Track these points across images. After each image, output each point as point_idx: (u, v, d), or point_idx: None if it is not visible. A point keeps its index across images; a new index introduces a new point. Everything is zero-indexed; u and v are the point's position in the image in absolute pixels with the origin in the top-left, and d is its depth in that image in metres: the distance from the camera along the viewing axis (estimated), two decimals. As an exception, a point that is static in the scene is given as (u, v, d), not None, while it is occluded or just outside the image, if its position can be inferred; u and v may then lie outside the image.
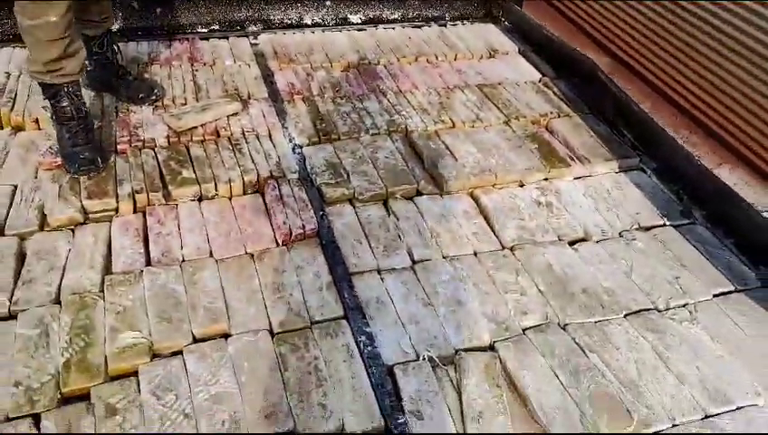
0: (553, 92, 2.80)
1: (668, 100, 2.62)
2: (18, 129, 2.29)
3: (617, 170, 2.41)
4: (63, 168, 2.09)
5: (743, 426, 1.55)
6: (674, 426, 1.54)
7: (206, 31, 2.94)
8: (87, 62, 2.23)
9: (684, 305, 1.87)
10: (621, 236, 2.11)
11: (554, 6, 3.58)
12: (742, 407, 1.60)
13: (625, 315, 1.83)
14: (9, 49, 2.66)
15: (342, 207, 2.10)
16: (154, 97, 2.40)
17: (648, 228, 2.15)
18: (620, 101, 2.60)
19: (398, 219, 2.07)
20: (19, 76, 2.48)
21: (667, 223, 2.18)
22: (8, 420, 1.44)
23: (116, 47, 2.40)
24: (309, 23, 3.10)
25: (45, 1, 1.84)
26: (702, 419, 1.57)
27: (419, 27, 3.20)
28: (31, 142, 2.22)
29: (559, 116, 2.64)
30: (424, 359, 1.64)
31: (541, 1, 3.30)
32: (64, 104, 2.08)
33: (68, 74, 2.03)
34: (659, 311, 1.85)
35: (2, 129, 2.29)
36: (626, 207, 2.23)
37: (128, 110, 2.38)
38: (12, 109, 2.32)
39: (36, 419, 1.45)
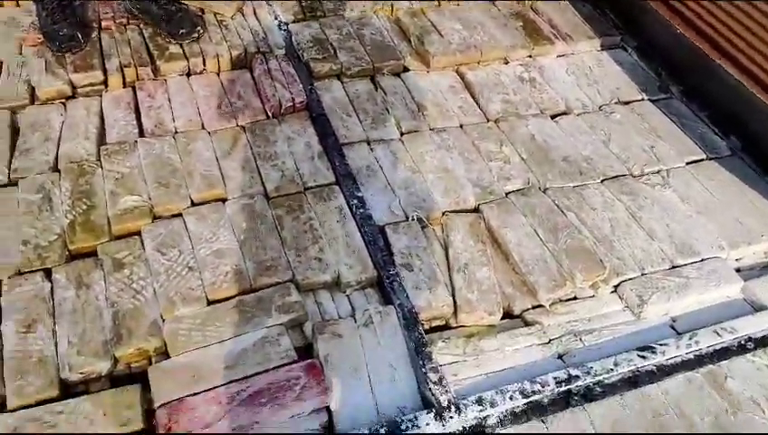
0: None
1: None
2: (-5, 6, 2.25)
3: (599, 48, 2.45)
4: (46, 45, 2.07)
5: (706, 275, 1.68)
6: (643, 275, 1.67)
7: None
8: None
9: (657, 172, 1.98)
10: (601, 110, 2.18)
11: None
12: (706, 259, 1.73)
13: (602, 181, 1.93)
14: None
15: (330, 81, 2.13)
16: (195, 34, 2.15)
17: (626, 102, 2.22)
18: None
19: (385, 94, 2.11)
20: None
21: (645, 97, 2.25)
22: (20, 274, 1.53)
23: None
24: None
25: None
26: (669, 268, 1.70)
27: None
28: (11, 19, 2.18)
29: (545, -5, 2.64)
30: (413, 219, 1.74)
31: None
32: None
33: None
34: (634, 176, 1.95)
35: (-20, 6, 2.24)
36: (606, 83, 2.29)
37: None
38: (-12, -15, 2.26)
39: (47, 272, 1.53)
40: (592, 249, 1.71)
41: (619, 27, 2.53)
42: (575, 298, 1.64)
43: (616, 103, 2.22)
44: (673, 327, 1.60)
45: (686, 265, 1.72)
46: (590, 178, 1.92)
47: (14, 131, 1.85)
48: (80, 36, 2.06)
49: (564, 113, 2.16)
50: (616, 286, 1.66)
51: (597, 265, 1.66)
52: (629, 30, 2.51)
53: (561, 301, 1.62)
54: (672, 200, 1.88)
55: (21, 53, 2.07)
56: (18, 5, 2.26)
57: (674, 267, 1.71)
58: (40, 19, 2.09)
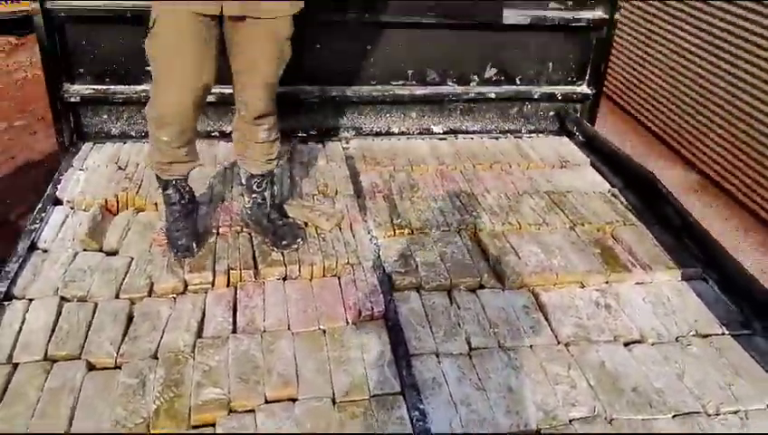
0: (621, 202, 2.94)
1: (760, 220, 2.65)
2: (140, 210, 2.68)
3: (678, 279, 2.49)
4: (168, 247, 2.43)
5: None
6: None
7: (305, 135, 3.33)
8: (247, 194, 2.52)
9: (735, 412, 1.90)
10: (677, 341, 2.17)
11: (638, 120, 3.73)
12: None
13: (673, 416, 1.87)
14: (141, 144, 3.13)
15: (409, 293, 2.30)
16: (296, 245, 2.43)
17: (704, 336, 2.20)
18: (684, 214, 2.69)
19: (459, 308, 2.24)
20: (146, 166, 2.92)
21: (726, 332, 2.22)
22: (105, 452, 1.69)
23: (275, 189, 2.59)
24: (396, 131, 3.44)
25: (161, 124, 2.22)
26: None
27: (496, 139, 3.47)
28: (149, 222, 2.60)
29: (624, 224, 2.77)
30: (471, 438, 1.76)
31: (626, 115, 3.47)
32: (170, 192, 2.43)
33: (175, 174, 2.39)
34: (709, 415, 1.88)
35: (127, 209, 2.69)
36: (684, 314, 2.29)
37: (232, 198, 2.74)
38: (137, 192, 2.73)
39: (128, 453, 1.69)
40: (657, 491, 1.63)
41: (700, 259, 2.57)
42: None
43: (693, 336, 2.20)
44: None
45: None
46: (660, 411, 1.88)
47: (130, 318, 2.13)
48: (194, 247, 2.39)
49: (638, 342, 2.17)
50: None
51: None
52: (711, 262, 2.54)
53: None
54: (751, 446, 1.79)
55: (150, 251, 2.43)
56: (156, 210, 2.69)
57: None
58: (167, 223, 2.48)
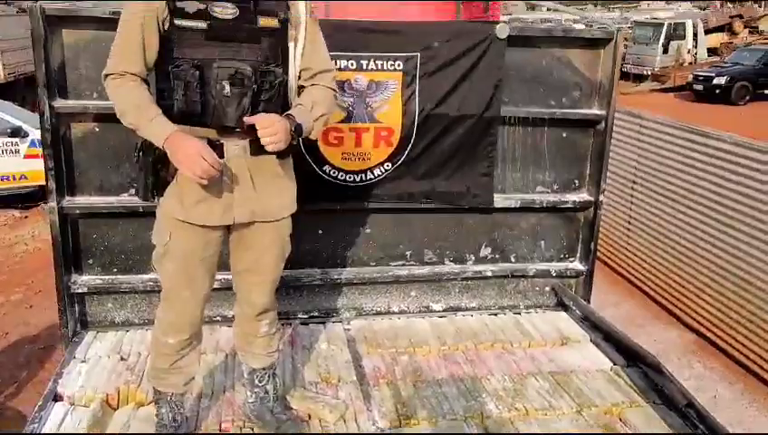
0: (624, 381, 2.93)
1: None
2: (140, 404, 2.64)
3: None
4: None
5: None
6: None
7: (306, 317, 3.38)
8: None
9: None
10: None
11: (633, 283, 3.82)
12: None
13: None
14: (144, 331, 3.14)
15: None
16: None
17: None
18: (689, 397, 2.68)
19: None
20: (147, 356, 2.91)
21: None
22: None
23: (277, 381, 2.58)
24: (396, 310, 3.50)
25: (170, 330, 2.28)
26: None
27: (495, 315, 3.52)
28: (150, 417, 2.54)
29: (631, 406, 2.74)
30: None
31: (620, 278, 3.56)
32: (162, 410, 2.38)
33: (170, 386, 2.36)
34: None
35: (128, 404, 2.65)
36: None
37: (234, 388, 2.71)
38: (138, 386, 2.70)
39: None
40: None
41: (710, 444, 2.53)
42: None
43: None
44: None
45: None
46: None
47: None
48: None
49: None
50: None
51: None
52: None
53: None
54: None
55: None
56: (158, 404, 2.64)
57: None
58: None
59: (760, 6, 32.61)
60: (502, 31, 3.12)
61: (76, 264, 3.11)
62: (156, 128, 1.98)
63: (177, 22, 1.99)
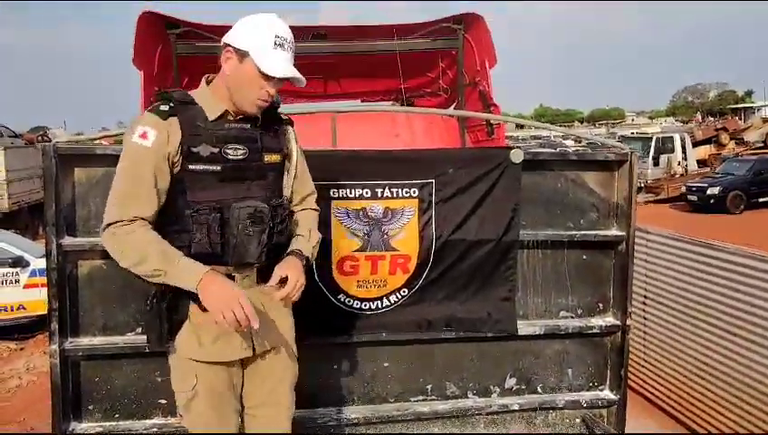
0: None
1: None
2: None
3: None
4: None
5: None
6: None
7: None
8: None
9: None
10: None
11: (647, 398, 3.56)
12: None
13: None
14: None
15: None
16: None
17: None
18: None
19: None
20: None
21: None
22: None
23: None
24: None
25: None
26: None
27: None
28: None
29: None
30: None
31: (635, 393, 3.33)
32: None
33: None
34: None
35: None
36: None
37: None
38: None
39: None
40: None
41: None
42: None
43: None
44: None
45: None
46: None
47: None
48: None
49: None
50: None
51: None
52: None
53: None
54: None
55: None
56: None
57: None
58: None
59: (740, 119, 34.03)
60: (516, 156, 3.11)
61: (75, 410, 2.89)
62: (184, 270, 1.91)
63: (191, 167, 1.97)
